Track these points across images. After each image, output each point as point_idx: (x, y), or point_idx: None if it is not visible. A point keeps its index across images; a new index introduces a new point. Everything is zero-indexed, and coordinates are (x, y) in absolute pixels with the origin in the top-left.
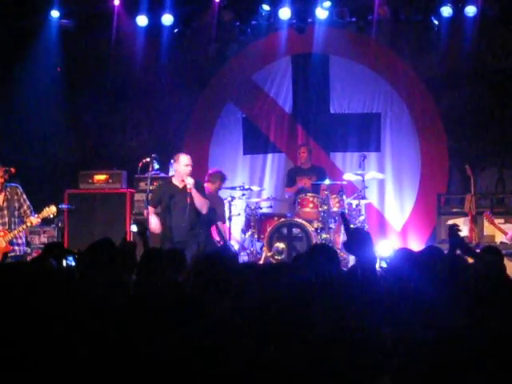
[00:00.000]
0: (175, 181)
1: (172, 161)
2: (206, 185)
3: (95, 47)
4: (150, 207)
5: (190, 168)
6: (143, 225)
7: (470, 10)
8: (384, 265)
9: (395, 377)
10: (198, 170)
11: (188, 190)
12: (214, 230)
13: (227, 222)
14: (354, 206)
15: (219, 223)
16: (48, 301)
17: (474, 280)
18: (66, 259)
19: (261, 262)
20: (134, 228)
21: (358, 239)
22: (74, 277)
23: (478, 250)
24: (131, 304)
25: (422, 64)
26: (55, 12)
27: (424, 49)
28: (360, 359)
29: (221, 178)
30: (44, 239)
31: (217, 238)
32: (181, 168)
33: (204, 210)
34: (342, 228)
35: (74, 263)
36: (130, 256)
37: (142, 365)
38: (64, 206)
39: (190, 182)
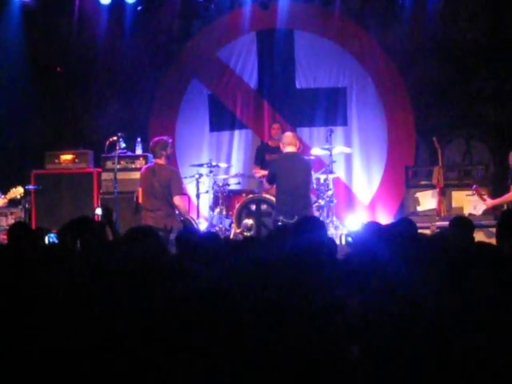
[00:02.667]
0: None
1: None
2: (155, 161)
3: (58, 26)
4: None
5: None
6: (109, 208)
7: None
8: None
9: (364, 347)
10: None
11: None
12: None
13: (195, 199)
14: (321, 181)
15: (176, 198)
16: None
17: (443, 250)
18: (49, 237)
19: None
20: (98, 211)
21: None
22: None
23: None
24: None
25: (387, 38)
26: None
27: (389, 22)
28: (330, 330)
29: (161, 146)
30: (11, 220)
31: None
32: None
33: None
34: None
35: (56, 240)
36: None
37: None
38: (31, 187)
39: None
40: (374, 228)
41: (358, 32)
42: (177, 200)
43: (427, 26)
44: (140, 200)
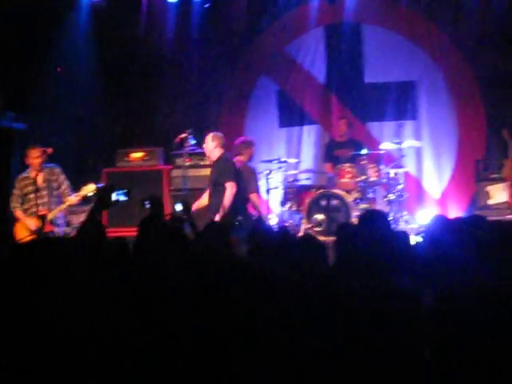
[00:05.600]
0: None
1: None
2: (237, 158)
3: (127, 25)
4: None
5: None
6: (187, 203)
7: None
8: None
9: (434, 348)
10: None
11: None
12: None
13: (265, 195)
14: (392, 176)
15: (252, 195)
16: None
17: None
18: (117, 194)
19: (300, 234)
20: (178, 207)
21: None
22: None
23: None
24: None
25: (456, 29)
26: None
27: (458, 14)
28: (404, 328)
29: (247, 146)
30: (83, 218)
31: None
32: None
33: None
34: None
35: (123, 197)
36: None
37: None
38: (102, 185)
39: None
40: (443, 221)
41: (426, 25)
42: (253, 197)
43: (496, 18)
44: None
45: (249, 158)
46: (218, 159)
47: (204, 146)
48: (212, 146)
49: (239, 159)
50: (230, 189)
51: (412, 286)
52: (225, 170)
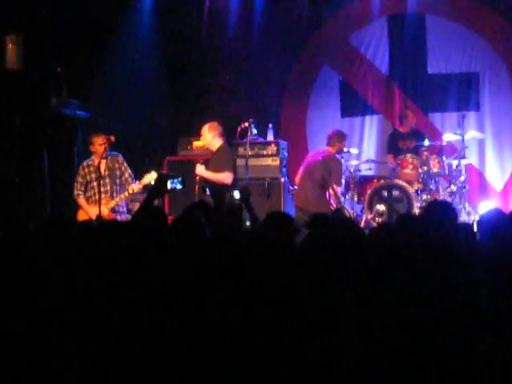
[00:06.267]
0: None
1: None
2: (326, 148)
3: (189, 16)
4: None
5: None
6: (247, 190)
7: None
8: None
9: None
10: (297, 134)
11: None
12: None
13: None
14: (454, 167)
15: (334, 186)
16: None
17: None
18: (172, 182)
19: (361, 224)
20: (236, 194)
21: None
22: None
23: None
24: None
25: None
26: None
27: None
28: (462, 318)
29: (339, 139)
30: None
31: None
32: None
33: (225, 181)
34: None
35: (179, 186)
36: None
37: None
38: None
39: (198, 171)
40: (500, 215)
41: (490, 16)
42: (334, 188)
43: None
44: (296, 178)
45: (338, 150)
46: (218, 149)
47: (201, 138)
48: (210, 137)
49: (328, 149)
50: (226, 178)
51: (472, 278)
52: (225, 160)
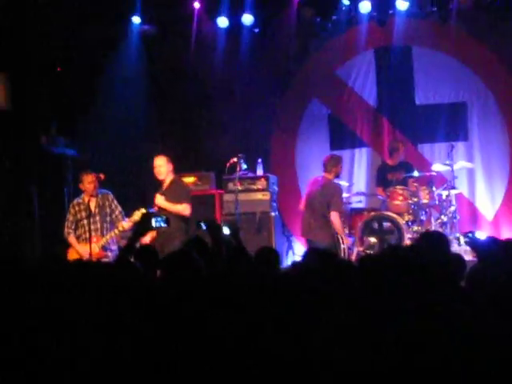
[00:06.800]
0: None
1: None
2: (323, 175)
3: (178, 51)
4: None
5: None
6: (235, 225)
7: None
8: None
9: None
10: (286, 168)
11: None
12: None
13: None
14: (444, 197)
15: (332, 213)
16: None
17: None
18: (157, 221)
19: (353, 257)
20: (226, 230)
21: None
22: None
23: None
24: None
25: (505, 51)
26: (137, 18)
27: (507, 35)
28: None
29: (335, 163)
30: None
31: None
32: None
33: (184, 213)
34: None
35: (163, 224)
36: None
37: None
38: (153, 210)
39: (157, 201)
40: (496, 242)
41: (476, 46)
42: (333, 216)
43: None
44: (301, 206)
45: (335, 175)
46: (174, 182)
47: (158, 168)
48: (168, 169)
49: (325, 176)
50: (184, 210)
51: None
52: (183, 192)
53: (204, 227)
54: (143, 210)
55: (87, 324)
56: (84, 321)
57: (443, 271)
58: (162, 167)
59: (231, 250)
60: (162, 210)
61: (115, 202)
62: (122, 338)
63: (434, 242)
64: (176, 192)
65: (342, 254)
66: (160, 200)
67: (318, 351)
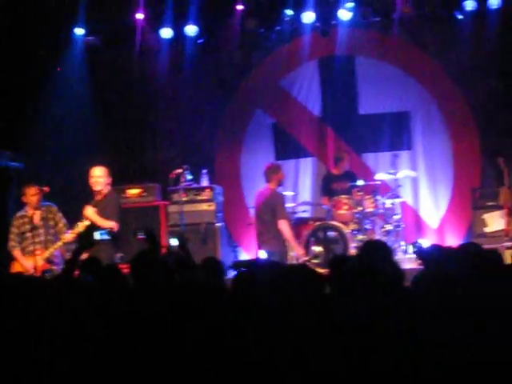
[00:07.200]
0: None
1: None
2: (266, 186)
3: (121, 63)
4: None
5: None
6: (183, 237)
7: (494, 2)
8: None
9: None
10: (231, 178)
11: None
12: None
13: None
14: (388, 206)
15: (280, 222)
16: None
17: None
18: (101, 233)
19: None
20: (173, 241)
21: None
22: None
23: None
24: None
25: (449, 60)
26: (80, 30)
27: (450, 44)
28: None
29: (275, 171)
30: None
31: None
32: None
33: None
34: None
35: (106, 236)
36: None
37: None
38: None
39: (87, 213)
40: (440, 250)
41: (419, 56)
42: (281, 224)
43: (488, 46)
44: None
45: (278, 183)
46: (108, 195)
47: (95, 178)
48: (106, 182)
49: (268, 187)
50: (112, 227)
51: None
52: (114, 208)
53: (141, 236)
54: (86, 223)
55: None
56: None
57: (386, 279)
58: (100, 178)
59: (178, 261)
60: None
61: (59, 214)
62: (82, 345)
63: (374, 251)
64: (107, 208)
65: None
66: (90, 212)
67: (274, 353)
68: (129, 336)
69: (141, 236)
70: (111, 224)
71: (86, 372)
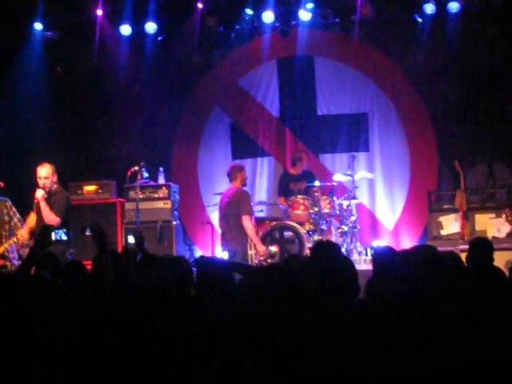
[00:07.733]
0: None
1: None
2: (231, 185)
3: (79, 58)
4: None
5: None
6: (140, 235)
7: (453, 6)
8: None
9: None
10: (188, 176)
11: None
12: None
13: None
14: (344, 207)
15: (243, 217)
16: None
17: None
18: (56, 233)
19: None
20: (131, 239)
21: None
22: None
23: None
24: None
25: (407, 62)
26: (38, 24)
27: (409, 47)
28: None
29: (238, 170)
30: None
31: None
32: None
33: (51, 222)
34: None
35: (64, 236)
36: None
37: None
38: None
39: (38, 194)
40: (392, 253)
41: (379, 58)
42: (244, 219)
43: (447, 49)
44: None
45: (242, 182)
46: (58, 192)
47: (43, 181)
48: (54, 179)
49: (232, 186)
50: (56, 223)
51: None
52: (62, 205)
53: (88, 232)
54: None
55: None
56: None
57: (336, 279)
58: (47, 179)
59: (143, 259)
60: (38, 205)
61: (13, 209)
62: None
63: (324, 251)
64: (55, 202)
65: (250, 261)
66: (40, 194)
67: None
68: (94, 333)
69: (88, 233)
70: (55, 219)
71: (47, 369)
